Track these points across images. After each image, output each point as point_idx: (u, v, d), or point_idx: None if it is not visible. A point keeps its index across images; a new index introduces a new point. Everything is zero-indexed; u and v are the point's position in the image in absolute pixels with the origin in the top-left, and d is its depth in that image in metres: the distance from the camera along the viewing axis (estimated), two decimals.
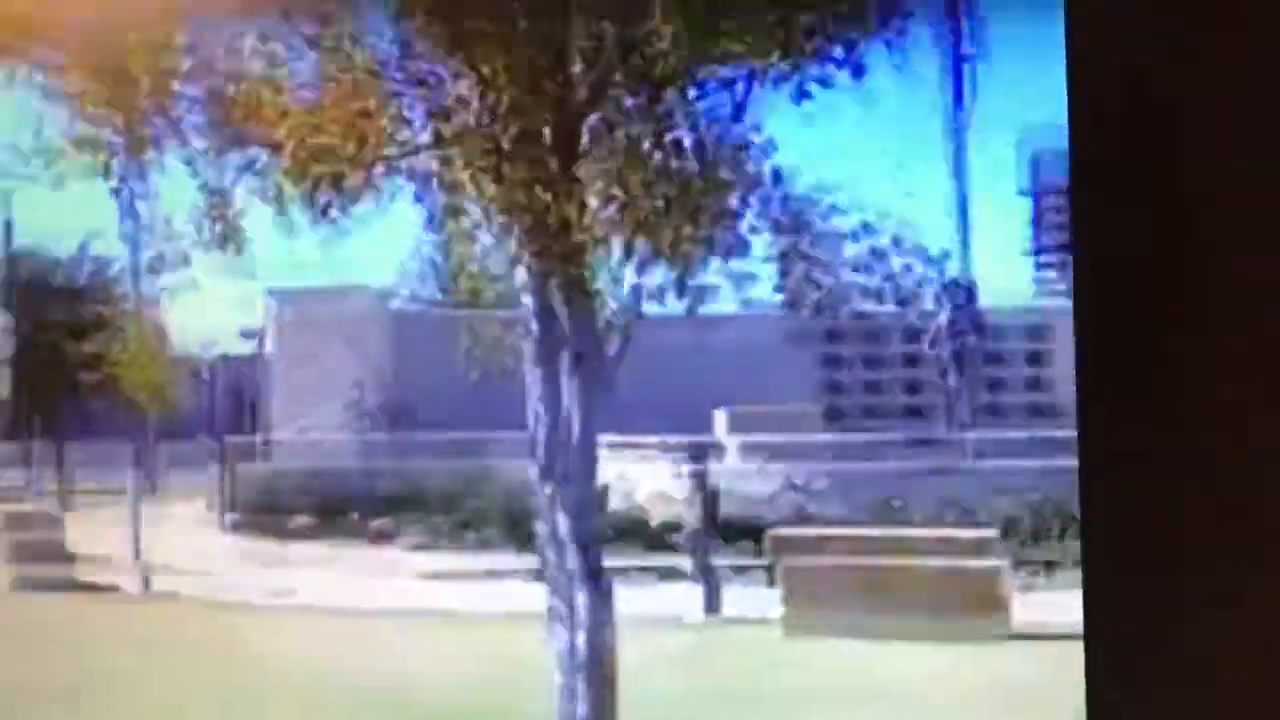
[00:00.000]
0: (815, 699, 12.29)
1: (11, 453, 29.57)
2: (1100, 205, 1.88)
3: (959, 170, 31.04)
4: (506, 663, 12.15)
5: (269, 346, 27.99)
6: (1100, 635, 1.91)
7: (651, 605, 14.61)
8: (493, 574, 18.16)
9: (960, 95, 30.88)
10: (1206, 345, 1.87)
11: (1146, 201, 1.87)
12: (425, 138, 7.85)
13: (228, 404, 36.43)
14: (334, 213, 7.91)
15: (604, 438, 16.84)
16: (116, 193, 9.32)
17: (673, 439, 18.12)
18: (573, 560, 8.48)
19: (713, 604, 15.29)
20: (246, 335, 31.82)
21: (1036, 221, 24.53)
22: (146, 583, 17.79)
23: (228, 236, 8.76)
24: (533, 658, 9.37)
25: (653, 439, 18.84)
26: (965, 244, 30.82)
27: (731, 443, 19.23)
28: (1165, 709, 1.88)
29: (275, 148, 7.61)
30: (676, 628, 14.73)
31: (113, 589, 18.43)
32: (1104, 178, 1.87)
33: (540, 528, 9.03)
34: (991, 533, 14.82)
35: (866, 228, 8.30)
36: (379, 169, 7.70)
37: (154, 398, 30.50)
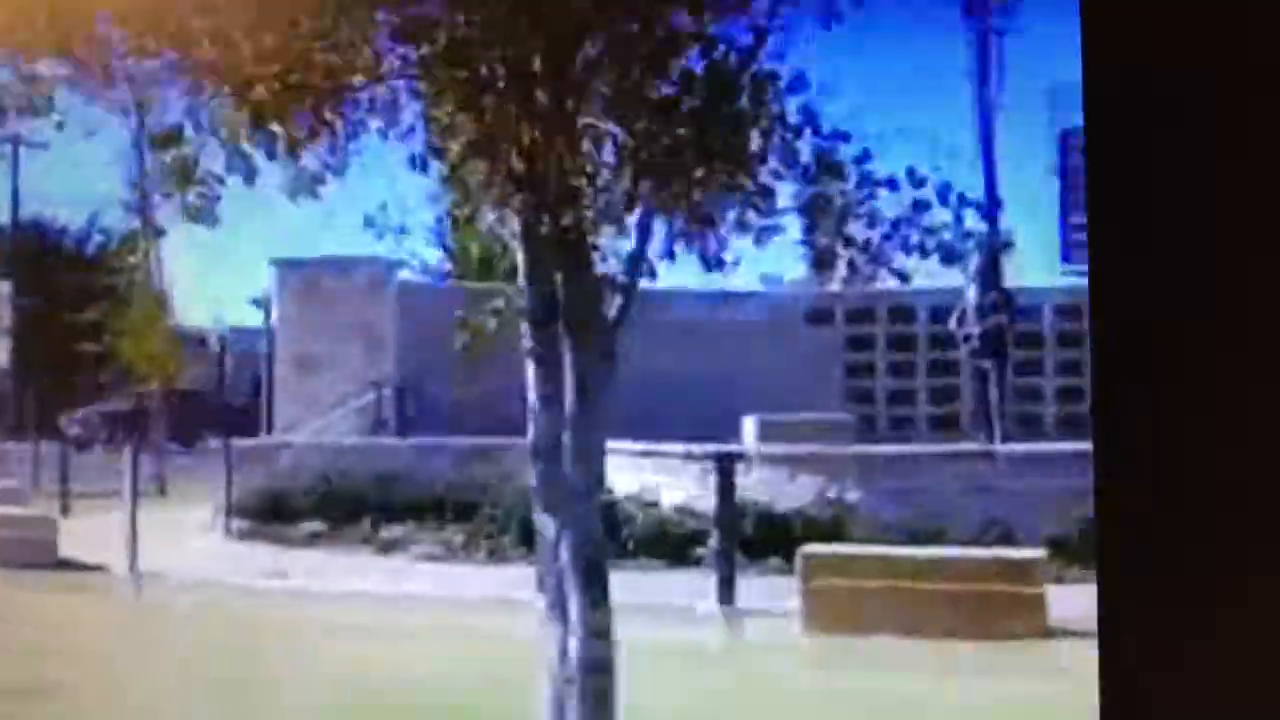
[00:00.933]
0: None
1: (15, 452, 28.81)
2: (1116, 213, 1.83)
3: (987, 149, 29.86)
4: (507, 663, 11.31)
5: (274, 318, 26.98)
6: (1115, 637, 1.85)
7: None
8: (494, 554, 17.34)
9: (987, 73, 29.73)
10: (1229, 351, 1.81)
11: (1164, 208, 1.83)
12: (390, 63, 6.72)
13: (236, 377, 35.65)
14: (283, 153, 6.81)
15: (626, 445, 15.93)
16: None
17: (698, 448, 17.15)
18: (565, 552, 7.36)
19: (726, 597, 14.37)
20: (255, 304, 30.96)
21: (1065, 198, 23.60)
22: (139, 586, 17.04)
23: (187, 180, 7.66)
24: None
25: (678, 447, 17.97)
26: (994, 221, 29.68)
27: (760, 451, 18.34)
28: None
29: (210, 73, 6.50)
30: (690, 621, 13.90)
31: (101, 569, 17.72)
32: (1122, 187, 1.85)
33: (535, 513, 7.95)
34: (1039, 553, 13.74)
35: (911, 175, 7.08)
36: (331, 100, 6.57)
37: (154, 367, 29.69)
